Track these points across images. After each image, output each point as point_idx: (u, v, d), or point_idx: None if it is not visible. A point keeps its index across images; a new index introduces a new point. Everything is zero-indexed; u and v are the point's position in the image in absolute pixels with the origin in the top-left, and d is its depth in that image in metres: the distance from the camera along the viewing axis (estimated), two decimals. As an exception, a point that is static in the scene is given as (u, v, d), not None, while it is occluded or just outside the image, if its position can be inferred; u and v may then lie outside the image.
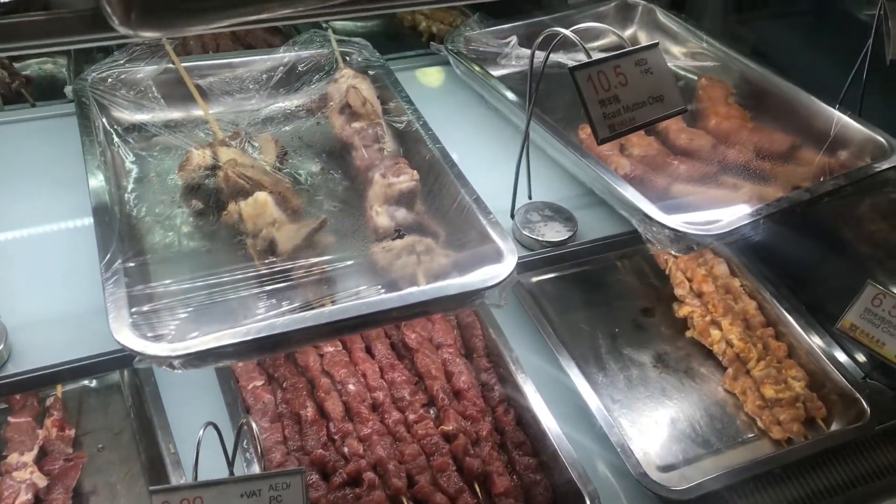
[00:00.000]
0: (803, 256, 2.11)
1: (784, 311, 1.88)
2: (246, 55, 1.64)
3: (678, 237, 1.30)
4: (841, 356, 1.77)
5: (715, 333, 1.84)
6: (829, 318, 1.84)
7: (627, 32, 1.97)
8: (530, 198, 1.46)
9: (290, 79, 1.61)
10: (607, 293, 2.01)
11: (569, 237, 1.39)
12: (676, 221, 1.31)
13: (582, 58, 1.22)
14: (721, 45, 1.82)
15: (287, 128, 1.56)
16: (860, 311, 1.57)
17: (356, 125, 1.46)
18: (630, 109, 1.21)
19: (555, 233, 1.39)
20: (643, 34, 1.96)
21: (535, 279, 2.02)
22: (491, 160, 1.56)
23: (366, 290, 1.19)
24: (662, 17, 1.93)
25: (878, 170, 1.46)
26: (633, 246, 1.41)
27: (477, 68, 1.70)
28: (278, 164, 1.44)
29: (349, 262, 1.26)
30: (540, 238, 1.38)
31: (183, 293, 1.18)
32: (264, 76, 1.61)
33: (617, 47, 1.25)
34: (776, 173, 1.51)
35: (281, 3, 0.86)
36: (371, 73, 1.62)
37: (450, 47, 1.73)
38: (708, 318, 1.87)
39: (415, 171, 1.36)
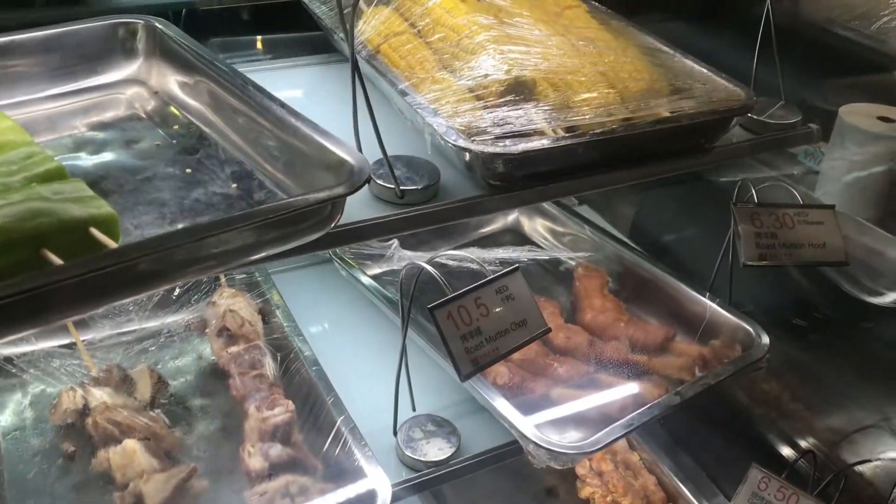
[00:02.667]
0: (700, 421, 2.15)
1: (681, 484, 1.89)
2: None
3: (553, 455, 1.31)
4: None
5: (617, 515, 1.84)
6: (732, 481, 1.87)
7: (511, 217, 2.03)
8: (414, 409, 1.47)
9: (170, 299, 1.60)
10: (511, 473, 2.00)
11: (451, 454, 1.39)
12: (550, 439, 1.32)
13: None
14: (596, 232, 1.89)
15: (167, 353, 1.54)
16: (747, 496, 1.59)
17: (233, 350, 1.45)
18: (493, 339, 1.24)
19: (437, 450, 1.39)
20: (524, 218, 2.03)
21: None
22: (377, 368, 1.56)
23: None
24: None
25: (746, 364, 1.51)
26: (517, 456, 1.42)
27: (343, 272, 1.72)
28: (154, 399, 1.42)
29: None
30: (422, 458, 1.37)
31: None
32: (144, 297, 1.61)
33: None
34: (653, 366, 1.55)
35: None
36: (252, 286, 1.63)
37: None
38: (609, 499, 1.87)
39: (289, 402, 1.35)
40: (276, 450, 1.29)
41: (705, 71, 1.44)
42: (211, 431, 1.41)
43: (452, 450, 1.39)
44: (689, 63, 1.46)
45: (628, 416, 1.37)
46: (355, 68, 1.10)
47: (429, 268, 1.25)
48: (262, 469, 1.26)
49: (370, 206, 1.19)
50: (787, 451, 1.96)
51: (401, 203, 1.19)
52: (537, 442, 1.32)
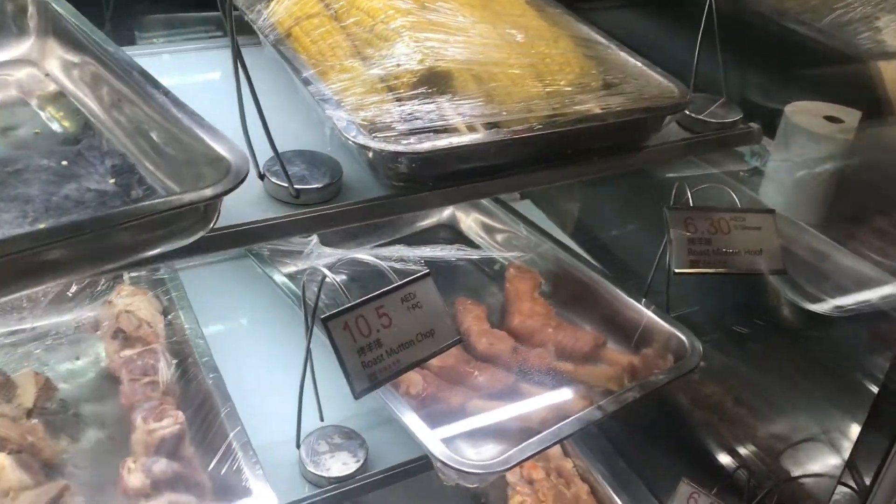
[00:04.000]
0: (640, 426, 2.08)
1: (614, 494, 1.82)
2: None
3: (461, 475, 1.23)
4: (676, 541, 1.72)
5: (546, 525, 1.77)
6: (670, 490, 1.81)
7: (447, 213, 1.94)
8: (322, 420, 1.37)
9: (65, 296, 1.49)
10: (436, 481, 1.92)
11: (356, 469, 1.30)
12: (457, 458, 1.23)
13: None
14: (532, 230, 1.80)
15: (61, 354, 1.44)
16: (677, 512, 1.52)
17: (126, 354, 1.35)
18: (395, 352, 1.15)
19: (341, 465, 1.31)
20: (461, 214, 1.93)
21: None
22: (287, 374, 1.45)
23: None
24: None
25: (676, 375, 1.43)
26: (427, 472, 1.33)
27: (259, 270, 1.62)
28: (39, 406, 1.31)
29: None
30: (324, 474, 1.28)
31: None
32: (40, 292, 1.50)
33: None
34: (580, 376, 1.46)
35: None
36: (157, 283, 1.53)
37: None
38: (539, 508, 1.79)
39: (179, 414, 1.25)
40: (161, 465, 1.19)
41: (640, 64, 1.34)
42: (99, 441, 1.31)
43: (358, 464, 1.30)
44: (624, 56, 1.37)
45: (543, 433, 1.29)
46: (237, 56, 0.99)
47: (328, 273, 1.15)
48: (141, 487, 1.16)
49: (263, 205, 1.09)
50: (726, 460, 1.90)
51: (296, 203, 1.09)
52: (444, 460, 1.23)
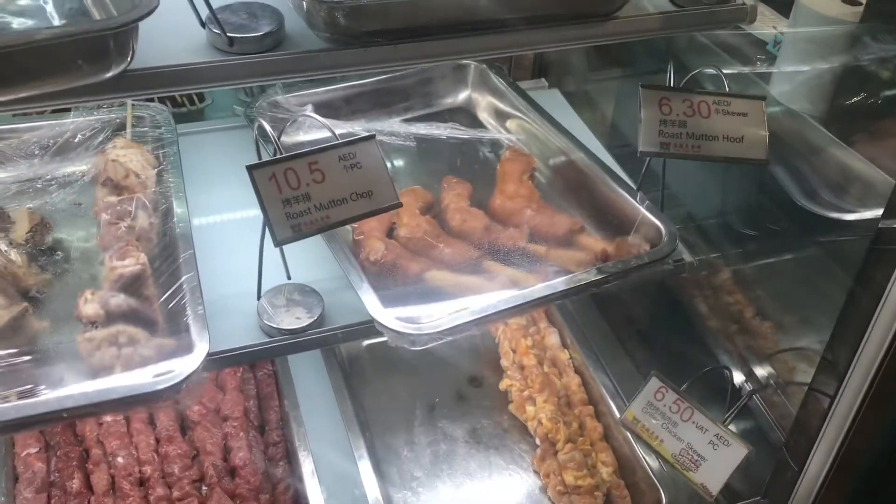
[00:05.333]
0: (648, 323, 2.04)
1: (604, 389, 1.80)
2: (33, 120, 1.62)
3: (398, 335, 1.25)
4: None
5: (530, 410, 1.78)
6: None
7: (462, 95, 1.91)
8: (289, 278, 1.42)
9: (71, 145, 1.59)
10: (437, 358, 1.96)
11: (308, 325, 1.35)
12: (392, 319, 1.25)
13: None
14: (541, 116, 1.75)
15: (60, 196, 1.54)
16: (642, 405, 1.50)
17: (109, 199, 1.43)
18: (324, 208, 1.17)
19: (294, 319, 1.35)
20: (477, 95, 1.90)
21: (365, 343, 1.98)
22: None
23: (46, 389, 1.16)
24: (495, 79, 1.87)
25: (642, 264, 1.38)
26: (374, 336, 1.36)
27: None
28: (32, 240, 1.42)
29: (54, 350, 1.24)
30: (276, 325, 1.34)
31: None
32: (51, 141, 1.60)
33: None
34: (549, 258, 1.44)
35: None
36: (156, 140, 1.60)
37: (248, 112, 1.70)
38: (525, 393, 1.81)
39: (141, 255, 1.32)
40: (118, 300, 1.27)
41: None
42: (81, 278, 1.41)
43: (311, 320, 1.35)
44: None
45: (485, 305, 1.29)
46: None
47: (265, 125, 1.17)
48: (94, 315, 1.24)
49: (199, 53, 1.11)
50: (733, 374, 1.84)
51: (231, 52, 1.11)
52: (381, 321, 1.26)
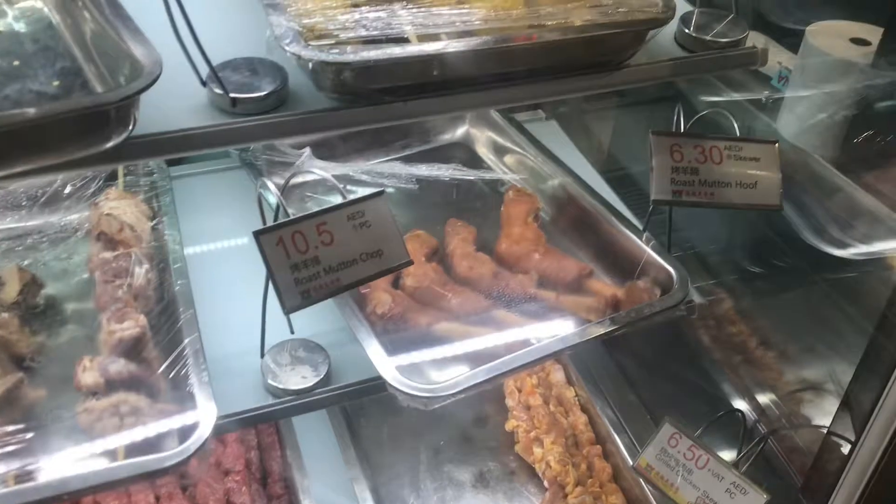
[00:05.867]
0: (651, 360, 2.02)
1: (611, 428, 1.78)
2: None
3: (409, 397, 1.21)
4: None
5: (537, 451, 1.75)
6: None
7: (460, 130, 1.88)
8: (293, 332, 1.38)
9: (61, 195, 1.54)
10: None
11: (315, 384, 1.31)
12: (404, 381, 1.22)
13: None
14: (542, 154, 1.72)
15: (53, 252, 1.48)
16: (656, 451, 1.47)
17: (104, 256, 1.38)
18: (334, 271, 1.13)
19: (300, 378, 1.31)
20: (475, 130, 1.87)
21: (366, 384, 1.94)
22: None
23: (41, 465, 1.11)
24: (493, 113, 1.84)
25: (655, 311, 1.35)
26: (383, 392, 1.32)
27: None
28: (23, 301, 1.37)
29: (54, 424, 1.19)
30: (281, 385, 1.29)
31: None
32: (39, 191, 1.54)
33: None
34: (560, 305, 1.41)
35: None
36: (150, 188, 1.55)
37: (243, 154, 1.65)
38: (532, 434, 1.77)
39: (141, 317, 1.28)
40: (117, 366, 1.22)
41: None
42: (76, 339, 1.36)
43: (317, 379, 1.31)
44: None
45: (496, 361, 1.25)
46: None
47: (272, 188, 1.13)
48: (94, 385, 1.20)
49: (201, 114, 1.06)
50: (736, 403, 1.82)
51: (234, 113, 1.06)
52: (391, 382, 1.22)
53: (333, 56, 1.01)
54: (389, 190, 1.62)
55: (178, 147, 1.03)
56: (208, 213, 1.61)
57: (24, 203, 1.53)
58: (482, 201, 1.72)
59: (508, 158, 1.81)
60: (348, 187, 1.47)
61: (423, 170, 1.62)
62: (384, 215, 1.17)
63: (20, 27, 1.19)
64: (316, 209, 1.13)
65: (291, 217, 1.11)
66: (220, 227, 1.58)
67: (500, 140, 1.84)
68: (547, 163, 1.73)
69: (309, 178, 1.63)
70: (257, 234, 1.08)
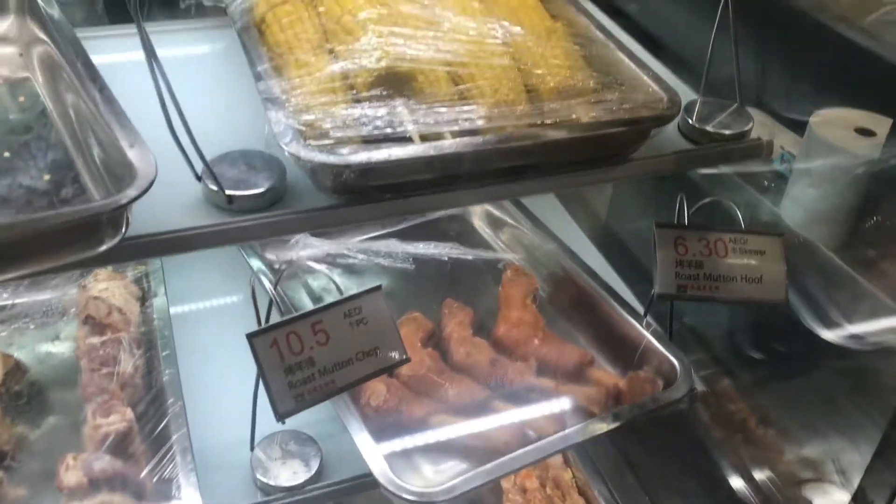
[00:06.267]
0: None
1: (611, 513, 1.73)
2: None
3: (401, 499, 1.17)
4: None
5: (535, 537, 1.70)
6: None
7: (457, 203, 1.85)
8: (283, 423, 1.33)
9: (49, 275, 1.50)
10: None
11: (306, 480, 1.26)
12: (400, 485, 1.17)
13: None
14: (540, 230, 1.70)
15: (39, 335, 1.44)
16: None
17: (91, 342, 1.34)
18: (328, 372, 1.09)
19: (291, 474, 1.26)
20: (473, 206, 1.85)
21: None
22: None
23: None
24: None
25: (659, 405, 1.32)
26: (376, 488, 1.28)
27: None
28: (5, 388, 1.33)
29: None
30: (272, 482, 1.25)
31: None
32: (26, 269, 1.50)
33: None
34: (560, 394, 1.37)
35: None
36: (139, 266, 1.51)
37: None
38: (529, 519, 1.72)
39: (128, 410, 1.23)
40: (102, 463, 1.18)
41: (634, 66, 1.22)
42: (59, 429, 1.31)
43: (308, 475, 1.26)
44: (620, 56, 1.24)
45: (496, 462, 1.21)
46: (150, 55, 0.93)
47: (266, 284, 1.10)
48: (77, 485, 1.15)
49: (195, 212, 1.03)
50: (737, 485, 1.77)
51: (229, 210, 1.03)
52: (384, 483, 1.17)
53: (333, 158, 0.99)
54: (385, 265, 1.59)
55: (171, 248, 1.00)
56: (200, 292, 1.57)
57: (10, 281, 1.49)
58: (479, 277, 1.68)
59: (505, 232, 1.78)
60: (348, 260, 1.44)
61: (420, 248, 1.58)
62: (381, 311, 1.14)
63: (13, 115, 1.17)
64: (312, 308, 1.09)
65: (285, 318, 1.07)
66: (212, 309, 1.54)
67: (496, 213, 1.81)
68: (545, 239, 1.70)
69: (305, 252, 1.60)
70: (251, 337, 1.04)
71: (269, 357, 1.05)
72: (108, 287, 1.42)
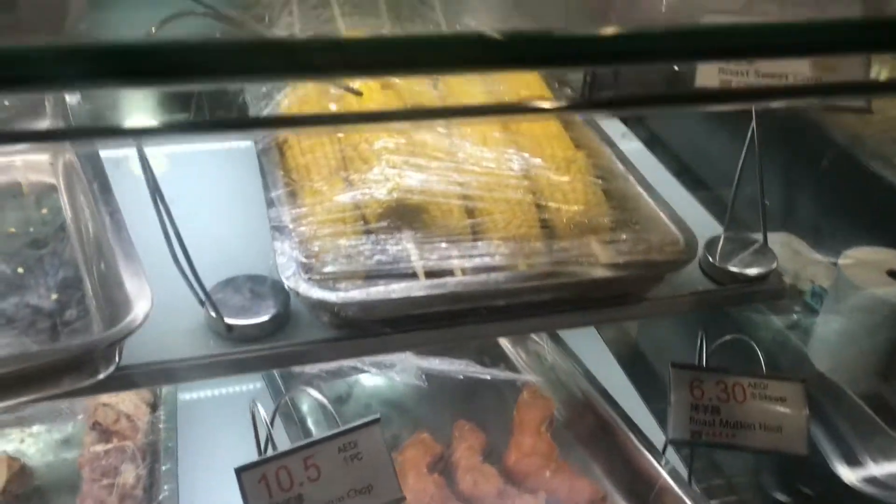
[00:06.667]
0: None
1: None
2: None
3: None
4: None
5: None
6: None
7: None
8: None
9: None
10: None
11: None
12: None
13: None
14: (561, 348, 1.66)
15: (48, 437, 1.44)
16: None
17: (95, 450, 1.33)
18: (318, 503, 1.06)
19: None
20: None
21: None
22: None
23: None
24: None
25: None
26: None
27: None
28: (10, 493, 1.32)
29: None
30: None
31: None
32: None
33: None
34: (568, 533, 1.32)
35: None
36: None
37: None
38: None
39: (122, 528, 1.22)
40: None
41: (652, 203, 1.19)
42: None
43: None
44: (639, 189, 1.22)
45: None
46: (155, 192, 0.94)
47: (260, 412, 1.08)
48: None
49: (195, 339, 1.03)
50: None
51: (229, 337, 1.03)
52: None
53: (329, 294, 0.98)
54: (397, 379, 1.57)
55: (167, 378, 1.00)
56: (208, 400, 1.56)
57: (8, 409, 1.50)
58: (495, 392, 1.64)
59: (525, 347, 1.74)
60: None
61: (436, 363, 1.56)
62: (377, 445, 1.10)
63: (33, 227, 1.19)
64: (306, 441, 1.07)
65: (276, 453, 1.04)
66: (222, 418, 1.52)
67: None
68: (566, 358, 1.66)
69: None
70: (239, 472, 1.02)
71: (257, 492, 1.02)
72: (119, 393, 1.41)
